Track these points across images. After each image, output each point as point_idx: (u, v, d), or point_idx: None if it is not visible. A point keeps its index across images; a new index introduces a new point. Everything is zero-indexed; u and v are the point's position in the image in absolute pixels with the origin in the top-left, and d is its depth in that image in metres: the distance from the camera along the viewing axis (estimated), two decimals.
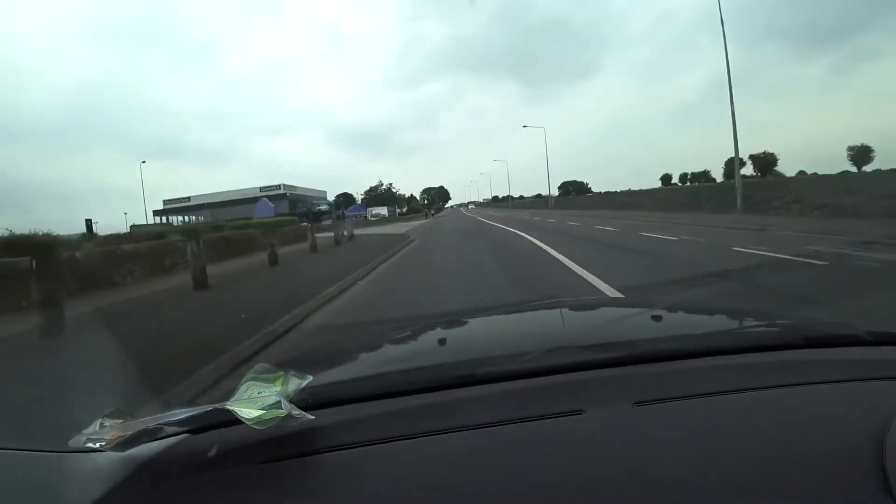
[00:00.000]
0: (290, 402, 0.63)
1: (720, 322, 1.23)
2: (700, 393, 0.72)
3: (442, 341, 1.19)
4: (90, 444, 0.62)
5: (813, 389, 0.73)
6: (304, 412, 0.63)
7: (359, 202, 74.80)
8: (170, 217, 64.34)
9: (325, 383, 0.79)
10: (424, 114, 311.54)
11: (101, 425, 0.65)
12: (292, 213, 48.28)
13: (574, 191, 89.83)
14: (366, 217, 59.17)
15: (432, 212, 71.92)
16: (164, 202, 67.51)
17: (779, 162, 75.09)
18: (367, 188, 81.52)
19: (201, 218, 62.16)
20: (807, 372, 0.78)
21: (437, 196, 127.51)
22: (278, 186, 63.84)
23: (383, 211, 66.65)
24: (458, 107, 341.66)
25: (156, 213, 64.24)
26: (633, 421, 0.67)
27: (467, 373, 0.81)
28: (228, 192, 63.79)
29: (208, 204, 62.18)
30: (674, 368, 0.81)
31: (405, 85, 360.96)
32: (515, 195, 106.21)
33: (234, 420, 0.61)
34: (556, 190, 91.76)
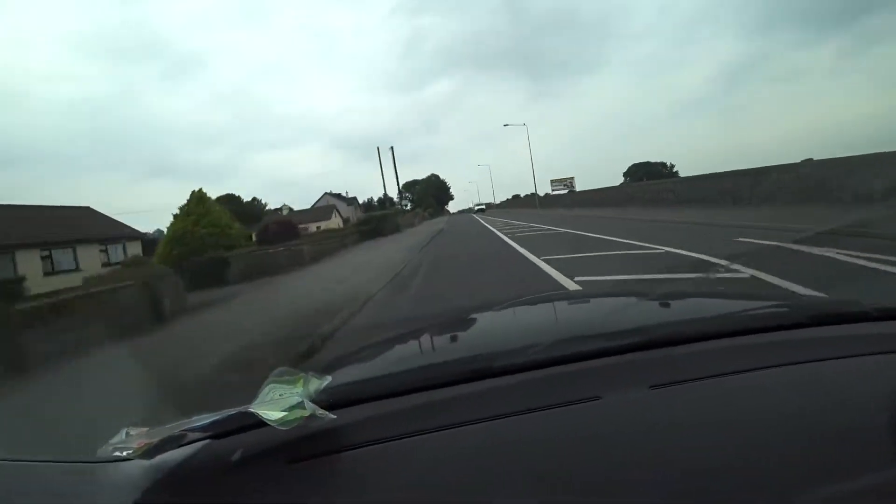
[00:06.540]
0: (312, 402, 0.64)
1: (727, 305, 1.24)
2: (713, 374, 0.74)
3: (454, 338, 1.20)
4: (117, 454, 0.63)
5: (823, 366, 0.75)
6: (326, 412, 0.64)
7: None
8: None
9: (344, 383, 0.80)
10: (427, 116, 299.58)
11: (127, 434, 0.66)
12: None
13: (645, 176, 71.19)
14: None
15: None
16: None
17: None
18: None
19: None
20: (816, 349, 0.80)
21: (422, 196, 79.04)
22: None
23: None
24: (461, 107, 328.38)
25: None
26: (650, 404, 0.68)
27: (483, 366, 0.82)
28: None
29: None
30: (686, 352, 0.83)
31: (407, 87, 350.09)
32: (527, 193, 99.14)
33: (258, 423, 0.63)
34: (622, 176, 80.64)
